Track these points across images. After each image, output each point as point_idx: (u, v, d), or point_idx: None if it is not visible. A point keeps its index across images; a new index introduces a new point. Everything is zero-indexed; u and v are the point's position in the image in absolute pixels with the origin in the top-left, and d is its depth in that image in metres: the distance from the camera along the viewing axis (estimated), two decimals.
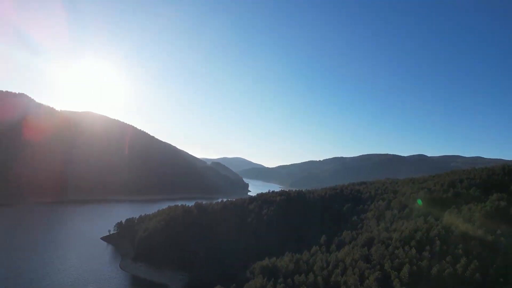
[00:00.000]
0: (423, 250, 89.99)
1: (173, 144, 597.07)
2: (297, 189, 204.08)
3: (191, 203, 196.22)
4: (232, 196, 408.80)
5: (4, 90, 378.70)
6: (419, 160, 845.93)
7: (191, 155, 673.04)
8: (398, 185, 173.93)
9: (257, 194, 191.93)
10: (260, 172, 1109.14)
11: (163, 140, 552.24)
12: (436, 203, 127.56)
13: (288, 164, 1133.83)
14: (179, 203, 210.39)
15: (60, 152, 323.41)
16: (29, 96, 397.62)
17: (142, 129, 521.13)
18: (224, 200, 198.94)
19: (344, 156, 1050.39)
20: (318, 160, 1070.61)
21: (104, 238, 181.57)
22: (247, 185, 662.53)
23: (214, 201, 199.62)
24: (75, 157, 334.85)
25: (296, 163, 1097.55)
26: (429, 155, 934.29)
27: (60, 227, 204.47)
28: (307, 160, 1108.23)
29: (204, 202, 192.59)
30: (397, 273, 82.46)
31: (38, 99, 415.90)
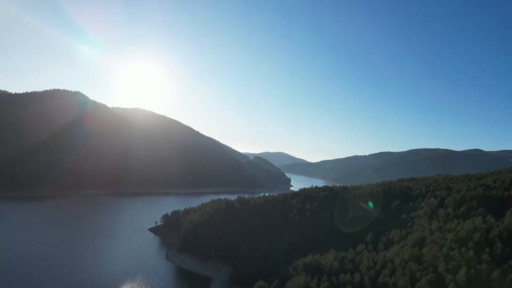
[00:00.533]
0: (481, 252, 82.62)
1: (217, 139, 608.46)
2: (341, 185, 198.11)
3: (233, 197, 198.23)
4: (274, 191, 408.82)
5: (61, 88, 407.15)
6: (475, 155, 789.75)
7: (234, 150, 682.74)
8: (452, 181, 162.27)
9: (300, 189, 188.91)
10: (303, 167, 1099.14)
11: (208, 135, 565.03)
12: (496, 202, 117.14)
13: (331, 159, 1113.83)
14: (222, 197, 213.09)
15: (113, 147, 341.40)
16: (84, 94, 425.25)
17: (187, 125, 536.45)
18: (266, 194, 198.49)
19: (391, 150, 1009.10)
20: (363, 155, 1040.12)
21: (151, 229, 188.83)
22: (289, 180, 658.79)
23: (256, 196, 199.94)
24: (127, 151, 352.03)
25: (340, 158, 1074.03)
26: (486, 150, 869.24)
27: (113, 218, 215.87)
28: (351, 155, 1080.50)
29: (246, 196, 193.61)
30: (452, 276, 76.31)
31: (92, 97, 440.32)
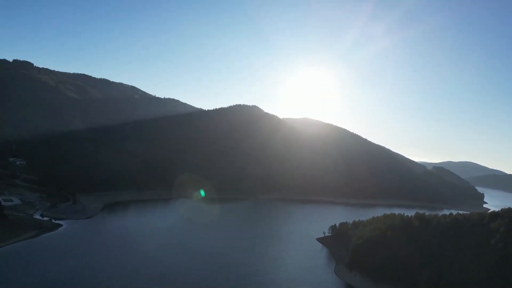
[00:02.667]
0: None
1: (387, 147, 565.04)
2: None
3: (408, 212, 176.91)
4: (460, 208, 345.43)
5: (242, 103, 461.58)
6: None
7: (407, 159, 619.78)
8: None
9: (502, 209, 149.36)
10: (499, 180, 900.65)
11: (377, 143, 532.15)
12: None
13: None
14: (395, 211, 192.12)
15: (284, 155, 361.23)
16: (259, 107, 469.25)
17: (354, 132, 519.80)
18: (453, 212, 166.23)
19: None
20: None
21: (319, 240, 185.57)
22: (481, 195, 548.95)
23: (439, 213, 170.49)
24: (296, 160, 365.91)
25: None
26: None
27: (283, 223, 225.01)
28: None
29: (426, 213, 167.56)
30: None
31: (265, 109, 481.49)
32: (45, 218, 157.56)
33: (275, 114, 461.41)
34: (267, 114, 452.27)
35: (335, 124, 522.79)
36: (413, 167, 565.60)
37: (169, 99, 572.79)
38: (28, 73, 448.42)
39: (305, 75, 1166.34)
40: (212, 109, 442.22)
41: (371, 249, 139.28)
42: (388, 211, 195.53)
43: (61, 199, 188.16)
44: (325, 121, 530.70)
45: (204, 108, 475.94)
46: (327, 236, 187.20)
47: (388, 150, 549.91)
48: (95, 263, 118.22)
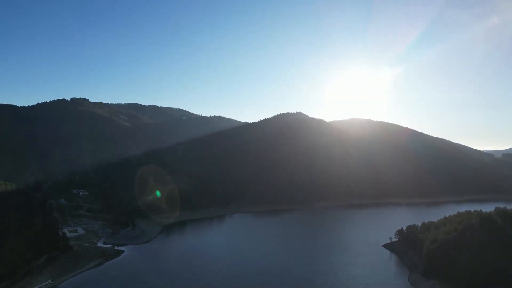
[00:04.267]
0: None
1: (446, 138, 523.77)
2: None
3: (482, 207, 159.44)
4: None
5: (286, 112, 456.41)
6: None
7: (471, 149, 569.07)
8: None
9: None
10: None
11: (434, 136, 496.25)
12: None
13: None
14: (465, 207, 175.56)
15: (335, 160, 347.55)
16: (304, 113, 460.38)
17: (409, 127, 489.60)
18: None
19: None
20: None
21: (386, 246, 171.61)
22: None
23: None
24: (349, 163, 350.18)
25: None
26: None
27: (343, 231, 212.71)
28: None
29: (503, 207, 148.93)
30: None
31: (310, 114, 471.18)
32: (108, 245, 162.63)
33: (321, 118, 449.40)
34: (312, 119, 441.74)
35: (386, 121, 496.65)
36: (480, 157, 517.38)
37: (214, 116, 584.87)
38: (85, 109, 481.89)
39: (351, 74, 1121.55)
40: (257, 121, 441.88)
41: (448, 253, 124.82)
42: (458, 209, 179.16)
43: (122, 225, 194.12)
44: (375, 119, 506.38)
45: (249, 121, 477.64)
46: (394, 241, 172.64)
47: (449, 141, 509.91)
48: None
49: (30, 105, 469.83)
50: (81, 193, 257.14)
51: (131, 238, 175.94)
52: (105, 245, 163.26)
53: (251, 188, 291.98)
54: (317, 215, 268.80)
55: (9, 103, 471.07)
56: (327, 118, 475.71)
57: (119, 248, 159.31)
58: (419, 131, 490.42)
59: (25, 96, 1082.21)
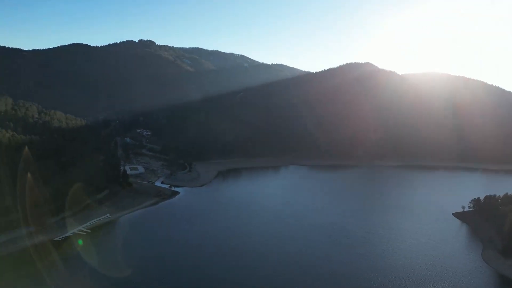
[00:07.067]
0: None
1: None
2: None
3: None
4: None
5: (353, 62, 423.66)
6: None
7: None
8: None
9: None
10: None
11: None
12: None
13: None
14: None
15: (404, 117, 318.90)
16: (373, 64, 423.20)
17: (494, 84, 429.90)
18: None
19: None
20: None
21: (456, 215, 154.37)
22: None
23: None
24: (419, 121, 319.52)
25: None
26: None
27: (405, 194, 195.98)
28: None
29: None
30: None
31: (380, 66, 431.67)
32: (165, 185, 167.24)
33: (393, 70, 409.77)
34: (382, 70, 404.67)
35: (468, 77, 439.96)
36: None
37: (276, 64, 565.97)
38: (151, 51, 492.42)
39: (431, 14, 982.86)
40: (320, 70, 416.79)
41: None
42: None
43: (179, 167, 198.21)
44: (454, 74, 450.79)
45: (312, 71, 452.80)
46: (468, 211, 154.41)
47: None
48: (212, 228, 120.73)
49: (102, 45, 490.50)
50: (144, 133, 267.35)
51: (188, 181, 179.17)
52: (162, 185, 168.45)
53: (308, 141, 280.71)
54: (378, 173, 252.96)
55: (84, 42, 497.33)
56: (399, 71, 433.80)
57: (175, 189, 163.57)
58: (506, 89, 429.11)
59: (99, 36, 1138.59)
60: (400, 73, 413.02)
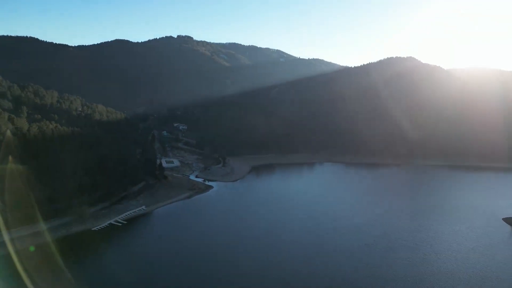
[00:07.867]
0: None
1: None
2: None
3: None
4: None
5: (394, 56, 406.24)
6: None
7: None
8: None
9: None
10: None
11: None
12: None
13: None
14: None
15: (449, 114, 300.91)
16: (416, 58, 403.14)
17: None
18: None
19: None
20: None
21: (507, 220, 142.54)
22: None
23: None
24: (467, 120, 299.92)
25: None
26: None
27: (449, 195, 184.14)
28: None
29: None
30: None
31: (424, 60, 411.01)
32: (199, 179, 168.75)
33: (438, 65, 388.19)
34: (426, 65, 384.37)
35: None
36: None
37: (313, 59, 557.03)
38: (189, 46, 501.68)
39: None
40: (359, 65, 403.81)
41: None
42: None
43: (214, 162, 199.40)
44: (505, 69, 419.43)
45: (350, 65, 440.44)
46: None
47: None
48: (245, 223, 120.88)
49: (143, 41, 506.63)
50: (180, 127, 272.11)
51: (221, 175, 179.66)
52: (197, 179, 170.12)
53: (345, 138, 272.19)
54: (420, 173, 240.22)
55: (126, 38, 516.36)
56: (445, 66, 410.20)
57: (209, 183, 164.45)
58: None
59: (140, 32, 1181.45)
60: (445, 68, 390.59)
